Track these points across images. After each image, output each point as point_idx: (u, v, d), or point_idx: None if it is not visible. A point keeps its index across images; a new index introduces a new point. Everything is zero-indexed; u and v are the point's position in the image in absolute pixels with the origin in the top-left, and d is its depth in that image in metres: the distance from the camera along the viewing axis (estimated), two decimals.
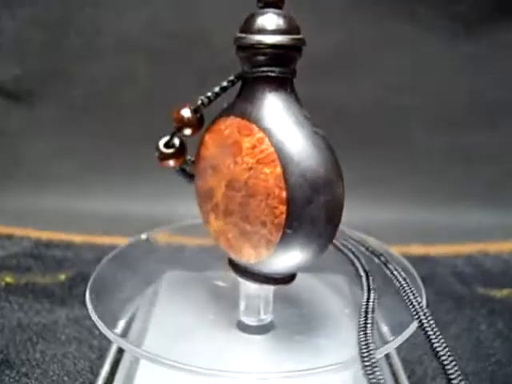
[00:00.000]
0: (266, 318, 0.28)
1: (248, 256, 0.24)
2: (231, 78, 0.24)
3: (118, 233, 0.48)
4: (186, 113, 0.25)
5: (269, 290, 0.28)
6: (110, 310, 0.29)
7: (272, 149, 0.22)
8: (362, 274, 0.28)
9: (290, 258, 0.23)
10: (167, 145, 0.26)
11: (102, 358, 0.31)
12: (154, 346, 0.26)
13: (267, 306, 0.28)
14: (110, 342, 0.32)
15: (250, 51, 0.23)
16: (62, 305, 0.37)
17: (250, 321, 0.28)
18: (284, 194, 0.21)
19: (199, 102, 0.25)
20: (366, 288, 0.27)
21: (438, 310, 0.37)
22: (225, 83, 0.24)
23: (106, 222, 0.51)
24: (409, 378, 0.30)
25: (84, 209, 0.54)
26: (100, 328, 0.25)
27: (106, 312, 0.27)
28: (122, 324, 0.30)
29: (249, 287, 0.27)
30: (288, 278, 0.26)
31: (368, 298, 0.26)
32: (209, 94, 0.25)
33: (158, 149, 0.26)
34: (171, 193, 0.46)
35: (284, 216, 0.22)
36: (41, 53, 0.54)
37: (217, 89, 0.25)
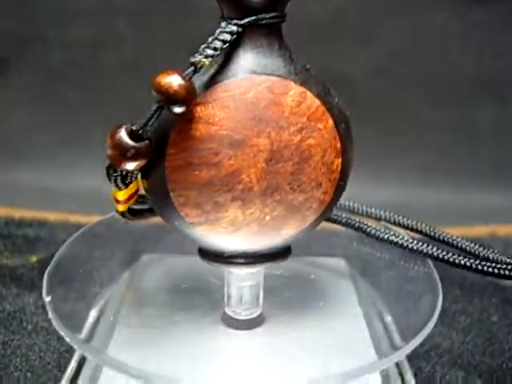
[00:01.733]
0: (256, 310, 0.25)
1: (286, 233, 0.22)
2: (231, 28, 0.19)
3: (98, 212, 0.44)
4: (177, 80, 0.18)
5: (260, 275, 0.25)
6: (76, 300, 0.26)
7: (318, 101, 0.20)
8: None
9: (326, 215, 0.23)
10: (135, 135, 0.19)
11: (71, 350, 0.28)
12: (121, 346, 0.23)
13: (257, 296, 0.25)
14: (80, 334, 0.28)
15: None
16: (30, 290, 0.34)
17: (237, 314, 0.25)
18: (339, 146, 0.21)
19: (200, 63, 0.19)
20: None
21: (445, 299, 0.33)
22: (226, 35, 0.19)
23: (85, 201, 0.48)
24: (415, 375, 0.27)
25: (62, 186, 0.50)
26: (54, 324, 0.21)
27: (72, 303, 0.24)
28: (91, 318, 0.26)
29: (237, 274, 0.24)
30: (287, 252, 0.24)
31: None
32: (208, 51, 0.19)
33: (118, 141, 0.18)
34: None
35: (339, 169, 0.21)
36: (14, 15, 0.50)
37: (218, 43, 0.19)
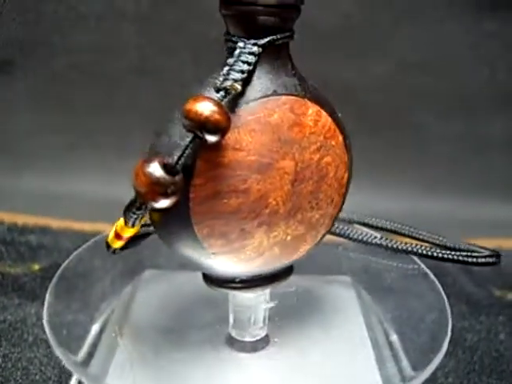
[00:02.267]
0: (261, 331, 0.25)
1: (302, 250, 0.22)
2: (252, 48, 0.19)
3: (103, 218, 0.44)
4: (208, 107, 0.16)
5: (265, 297, 0.24)
6: (78, 314, 0.25)
7: (330, 119, 0.20)
8: None
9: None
10: (169, 169, 0.16)
11: None
12: (121, 372, 0.23)
13: (263, 317, 0.25)
14: (82, 346, 0.28)
15: (251, 9, 0.18)
16: (33, 300, 0.34)
17: (243, 336, 0.25)
18: (346, 160, 0.21)
19: (233, 87, 0.18)
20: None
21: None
22: (248, 57, 0.18)
23: (90, 206, 0.47)
24: None
25: (66, 191, 0.50)
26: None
27: (74, 316, 0.24)
28: (93, 331, 0.26)
29: (242, 297, 0.23)
30: (291, 269, 0.23)
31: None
32: (235, 74, 0.18)
33: (155, 178, 0.16)
34: None
35: (346, 181, 0.22)
36: (19, 19, 0.49)
37: (245, 66, 0.18)
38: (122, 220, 0.19)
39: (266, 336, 0.25)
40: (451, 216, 0.48)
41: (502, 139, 0.50)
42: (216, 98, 0.17)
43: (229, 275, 0.21)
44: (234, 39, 0.19)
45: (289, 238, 0.20)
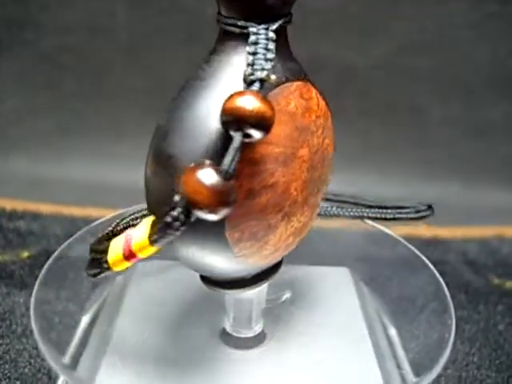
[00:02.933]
0: (258, 327, 0.24)
1: (303, 236, 0.21)
2: (269, 34, 0.17)
3: (94, 204, 0.43)
4: (256, 102, 0.15)
5: (262, 291, 0.23)
6: (68, 304, 0.24)
7: (321, 99, 0.20)
8: None
9: None
10: (224, 175, 0.15)
11: None
12: (112, 371, 0.22)
13: (259, 313, 0.24)
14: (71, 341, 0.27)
15: None
16: (21, 288, 0.33)
17: (239, 332, 0.24)
18: (333, 139, 0.21)
19: (269, 79, 0.16)
20: None
21: None
22: (269, 43, 0.17)
23: (80, 191, 0.46)
24: None
25: (55, 175, 0.48)
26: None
27: (64, 307, 0.23)
28: (83, 324, 0.25)
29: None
30: (281, 261, 0.22)
31: None
32: (264, 64, 0.16)
33: (217, 187, 0.14)
34: None
35: (332, 160, 0.21)
36: None
37: (269, 54, 0.17)
38: (142, 238, 0.16)
39: (262, 331, 0.24)
40: (451, 202, 0.47)
41: (504, 123, 0.49)
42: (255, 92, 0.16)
43: (240, 275, 0.20)
44: (239, 24, 0.17)
45: (300, 225, 0.20)
